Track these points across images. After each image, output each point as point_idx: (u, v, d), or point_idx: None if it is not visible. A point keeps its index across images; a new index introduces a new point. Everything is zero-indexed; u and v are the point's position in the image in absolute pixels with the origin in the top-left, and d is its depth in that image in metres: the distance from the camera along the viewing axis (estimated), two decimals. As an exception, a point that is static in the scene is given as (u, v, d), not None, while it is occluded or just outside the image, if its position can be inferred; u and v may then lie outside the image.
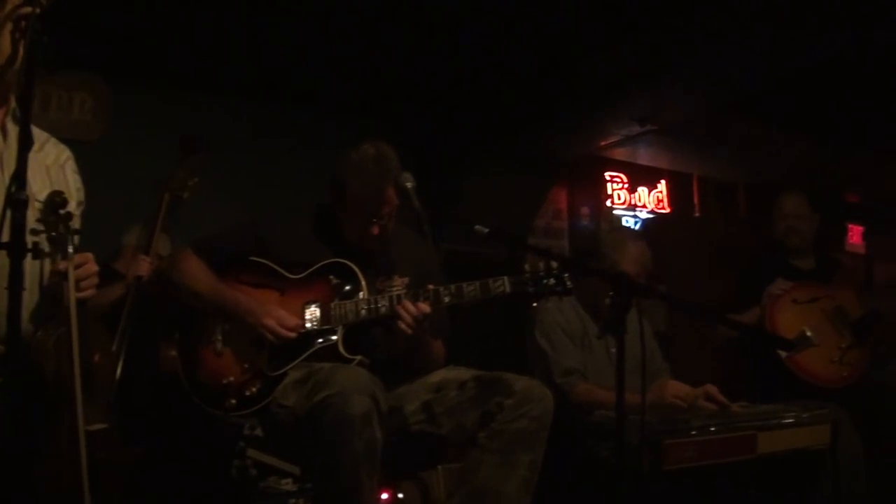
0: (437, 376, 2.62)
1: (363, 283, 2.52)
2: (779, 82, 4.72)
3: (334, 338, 2.49)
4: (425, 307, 2.40)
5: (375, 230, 2.56)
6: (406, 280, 2.59)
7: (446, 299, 2.44)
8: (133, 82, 4.61)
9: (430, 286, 2.44)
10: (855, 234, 8.41)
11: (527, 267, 2.43)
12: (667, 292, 5.66)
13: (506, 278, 2.43)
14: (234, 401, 2.47)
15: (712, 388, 3.22)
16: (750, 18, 3.93)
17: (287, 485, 3.53)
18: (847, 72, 4.86)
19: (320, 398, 2.21)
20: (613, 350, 3.10)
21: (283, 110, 5.03)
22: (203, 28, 4.12)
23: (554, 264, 2.43)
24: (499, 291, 2.42)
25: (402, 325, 2.40)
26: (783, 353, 3.64)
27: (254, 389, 2.46)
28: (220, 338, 2.54)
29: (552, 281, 2.42)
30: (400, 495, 3.03)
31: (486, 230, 2.32)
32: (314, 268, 2.57)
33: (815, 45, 4.19)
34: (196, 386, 2.53)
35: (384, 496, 3.09)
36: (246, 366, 2.50)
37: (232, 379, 2.49)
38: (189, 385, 2.53)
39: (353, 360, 2.46)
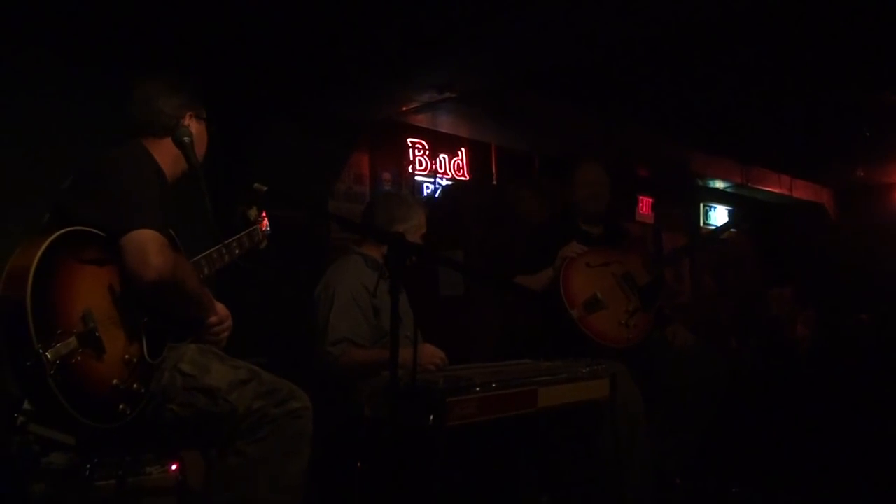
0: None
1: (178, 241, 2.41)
2: (571, 58, 4.88)
3: None
4: None
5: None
6: None
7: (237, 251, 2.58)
8: None
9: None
10: (645, 206, 9.08)
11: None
12: (457, 258, 5.87)
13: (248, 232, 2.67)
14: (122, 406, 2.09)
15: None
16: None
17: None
18: (636, 52, 5.15)
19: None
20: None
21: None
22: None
23: (252, 211, 2.69)
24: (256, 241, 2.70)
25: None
26: (575, 314, 3.83)
27: (136, 384, 2.14)
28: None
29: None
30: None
31: (265, 188, 2.28)
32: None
33: (608, 24, 4.28)
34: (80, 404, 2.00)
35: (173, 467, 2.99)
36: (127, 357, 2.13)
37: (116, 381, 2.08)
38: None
39: None
